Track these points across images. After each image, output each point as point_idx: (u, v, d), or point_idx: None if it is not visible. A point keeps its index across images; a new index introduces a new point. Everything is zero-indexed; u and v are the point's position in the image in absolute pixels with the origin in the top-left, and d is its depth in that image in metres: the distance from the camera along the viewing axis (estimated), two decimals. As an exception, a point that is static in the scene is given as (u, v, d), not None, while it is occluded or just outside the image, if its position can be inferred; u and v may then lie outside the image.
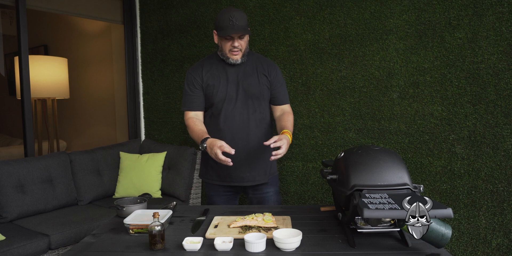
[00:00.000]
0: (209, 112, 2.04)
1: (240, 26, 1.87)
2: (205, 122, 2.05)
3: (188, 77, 2.04)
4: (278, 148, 1.81)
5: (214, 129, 2.01)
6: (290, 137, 1.89)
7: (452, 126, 2.11)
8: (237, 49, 1.93)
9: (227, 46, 1.92)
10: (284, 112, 2.09)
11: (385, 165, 1.36)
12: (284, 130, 1.94)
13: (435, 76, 2.15)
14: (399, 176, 1.34)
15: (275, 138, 1.78)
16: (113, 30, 3.95)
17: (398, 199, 1.23)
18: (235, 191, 2.11)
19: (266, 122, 2.07)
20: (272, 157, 1.76)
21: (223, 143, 1.74)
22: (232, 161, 1.88)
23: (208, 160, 2.06)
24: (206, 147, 1.81)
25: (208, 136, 1.86)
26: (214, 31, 1.96)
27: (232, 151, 1.72)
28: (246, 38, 1.97)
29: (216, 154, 1.73)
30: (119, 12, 3.52)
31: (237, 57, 1.95)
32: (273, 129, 2.13)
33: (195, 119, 2.02)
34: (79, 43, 4.53)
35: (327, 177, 1.49)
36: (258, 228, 1.48)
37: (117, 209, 1.75)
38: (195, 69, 2.04)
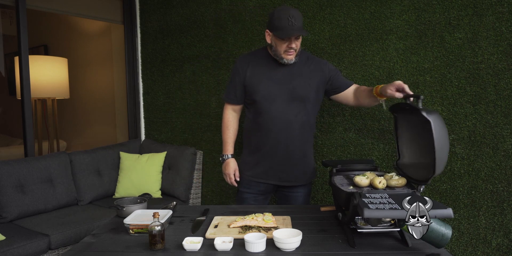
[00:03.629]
0: (252, 108, 2.03)
1: (299, 27, 1.84)
2: (248, 118, 2.08)
3: (234, 67, 2.06)
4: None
5: (256, 127, 2.02)
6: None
7: (452, 126, 2.11)
8: (292, 50, 1.90)
9: (283, 47, 1.89)
10: (356, 88, 2.04)
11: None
12: (376, 86, 1.82)
13: (435, 76, 2.15)
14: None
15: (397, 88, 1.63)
16: (113, 30, 3.95)
17: (398, 199, 1.24)
18: (267, 190, 2.10)
19: (309, 126, 2.05)
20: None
21: (236, 172, 2.10)
22: (271, 161, 2.01)
23: (248, 156, 2.09)
24: (223, 162, 2.14)
25: (231, 152, 2.13)
26: (267, 30, 1.93)
27: (235, 184, 2.12)
28: (300, 37, 1.94)
29: (229, 175, 2.11)
30: (119, 12, 3.52)
31: (291, 57, 1.93)
32: (313, 134, 2.14)
33: (231, 118, 2.14)
34: (79, 43, 4.53)
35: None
36: (258, 228, 1.48)
37: (117, 209, 1.75)
38: (242, 61, 2.04)
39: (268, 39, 1.95)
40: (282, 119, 1.96)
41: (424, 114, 1.31)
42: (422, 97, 1.42)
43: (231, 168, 2.10)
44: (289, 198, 2.10)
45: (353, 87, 2.06)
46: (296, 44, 1.90)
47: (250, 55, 2.07)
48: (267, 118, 1.97)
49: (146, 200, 1.81)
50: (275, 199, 2.21)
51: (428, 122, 1.29)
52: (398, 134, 1.62)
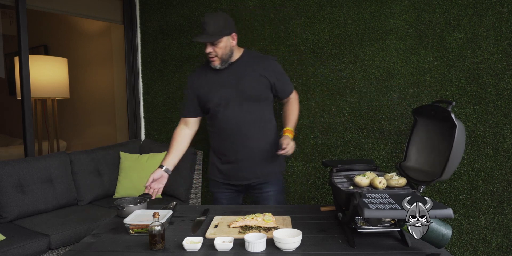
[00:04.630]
0: (209, 114, 2.06)
1: (209, 32, 1.86)
2: (208, 124, 2.10)
3: (188, 83, 2.09)
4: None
5: (215, 131, 2.05)
6: (291, 135, 1.95)
7: (452, 126, 2.11)
8: (212, 55, 1.93)
9: (206, 51, 1.94)
10: (288, 102, 2.13)
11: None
12: (285, 129, 2.00)
13: (435, 76, 2.15)
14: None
15: (282, 145, 1.86)
16: (113, 30, 3.95)
17: (398, 199, 1.24)
18: (237, 190, 2.12)
19: (265, 121, 2.06)
20: (280, 152, 1.86)
21: (149, 183, 1.87)
22: (232, 160, 2.01)
23: (214, 158, 2.11)
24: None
25: (162, 164, 1.96)
26: None
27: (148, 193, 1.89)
28: (224, 44, 1.91)
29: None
30: (119, 12, 3.52)
31: (215, 63, 1.95)
32: (277, 126, 2.14)
33: (178, 131, 2.09)
34: (79, 43, 4.53)
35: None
36: (258, 228, 1.48)
37: (117, 209, 1.75)
38: (192, 75, 2.09)
39: None
40: (237, 120, 1.97)
41: (454, 117, 1.33)
42: (453, 103, 1.44)
43: (150, 177, 1.90)
44: (260, 199, 2.10)
45: (285, 100, 2.13)
46: (214, 50, 1.91)
47: (198, 68, 2.11)
48: (223, 121, 1.99)
49: (147, 200, 1.81)
50: (248, 200, 2.21)
51: (454, 126, 1.32)
52: (411, 136, 1.63)
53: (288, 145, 1.86)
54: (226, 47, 1.93)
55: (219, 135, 2.03)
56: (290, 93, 2.13)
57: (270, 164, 2.07)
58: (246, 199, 2.40)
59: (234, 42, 1.97)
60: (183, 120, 2.12)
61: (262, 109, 2.04)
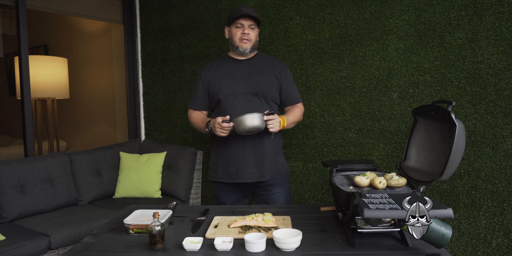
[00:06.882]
0: (217, 109, 2.05)
1: (250, 12, 1.99)
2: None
3: (200, 75, 2.11)
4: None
5: None
6: (282, 122, 1.95)
7: (452, 126, 2.11)
8: (247, 37, 2.00)
9: (238, 34, 2.00)
10: (292, 107, 2.13)
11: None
12: (281, 116, 2.00)
13: (435, 76, 2.15)
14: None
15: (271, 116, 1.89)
16: (113, 30, 3.95)
17: (398, 199, 1.24)
18: (243, 191, 2.09)
19: None
20: (270, 127, 1.88)
21: (219, 118, 1.89)
22: (239, 158, 1.99)
23: (217, 159, 2.08)
24: (211, 127, 1.95)
25: (210, 119, 1.99)
26: (226, 26, 2.06)
27: (227, 117, 1.88)
28: (256, 32, 2.05)
29: (218, 124, 1.87)
30: (119, 12, 3.52)
31: (247, 46, 2.01)
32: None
33: (198, 113, 2.13)
34: (79, 43, 4.53)
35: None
36: (258, 228, 1.48)
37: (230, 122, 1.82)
38: (206, 68, 2.12)
39: (227, 35, 2.09)
40: (245, 112, 1.91)
41: (454, 117, 1.33)
42: (453, 103, 1.44)
43: (217, 118, 1.90)
44: (268, 200, 2.07)
45: (289, 107, 2.14)
46: (250, 33, 2.00)
47: (211, 62, 2.15)
48: (230, 115, 1.93)
49: (267, 114, 1.86)
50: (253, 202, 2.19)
51: (454, 126, 1.32)
52: (411, 136, 1.63)
53: (274, 120, 1.87)
54: (257, 36, 2.07)
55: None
56: (295, 102, 2.14)
57: (275, 163, 2.06)
58: (252, 202, 2.39)
59: (258, 39, 2.10)
60: (194, 111, 2.14)
61: (271, 106, 2.05)
